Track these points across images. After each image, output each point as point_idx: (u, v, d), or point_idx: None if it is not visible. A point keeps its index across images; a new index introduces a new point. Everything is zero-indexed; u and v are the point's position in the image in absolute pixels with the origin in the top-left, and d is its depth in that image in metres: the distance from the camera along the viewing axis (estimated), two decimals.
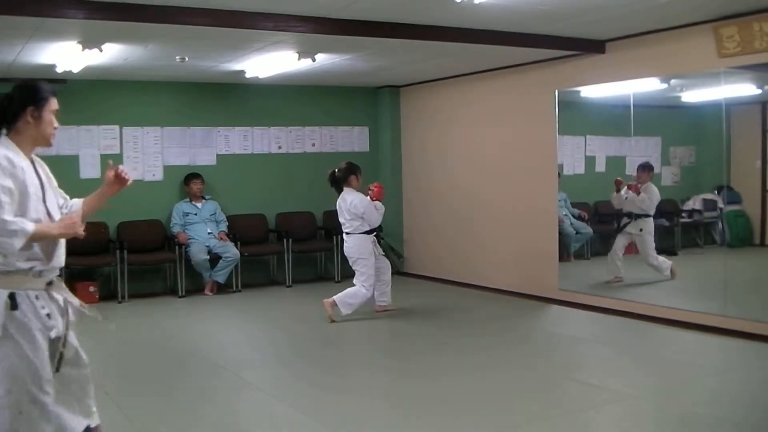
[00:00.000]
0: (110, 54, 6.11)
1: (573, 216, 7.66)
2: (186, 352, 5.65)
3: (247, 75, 7.55)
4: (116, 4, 4.65)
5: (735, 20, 5.35)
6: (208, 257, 7.91)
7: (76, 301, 3.01)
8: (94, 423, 3.10)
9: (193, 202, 8.18)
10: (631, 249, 7.21)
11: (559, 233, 7.25)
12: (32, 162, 2.92)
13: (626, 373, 4.85)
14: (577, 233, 7.63)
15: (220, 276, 7.97)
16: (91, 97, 7.75)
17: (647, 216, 6.93)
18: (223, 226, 8.24)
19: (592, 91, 6.95)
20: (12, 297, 2.73)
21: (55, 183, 3.08)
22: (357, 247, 6.53)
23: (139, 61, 6.70)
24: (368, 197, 6.58)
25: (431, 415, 4.05)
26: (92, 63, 6.33)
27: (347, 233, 6.59)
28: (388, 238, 9.16)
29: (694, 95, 6.80)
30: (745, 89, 6.29)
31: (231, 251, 7.96)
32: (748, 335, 5.41)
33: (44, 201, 2.89)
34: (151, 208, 8.05)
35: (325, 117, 9.13)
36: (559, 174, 7.25)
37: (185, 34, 5.55)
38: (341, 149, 9.22)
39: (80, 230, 2.87)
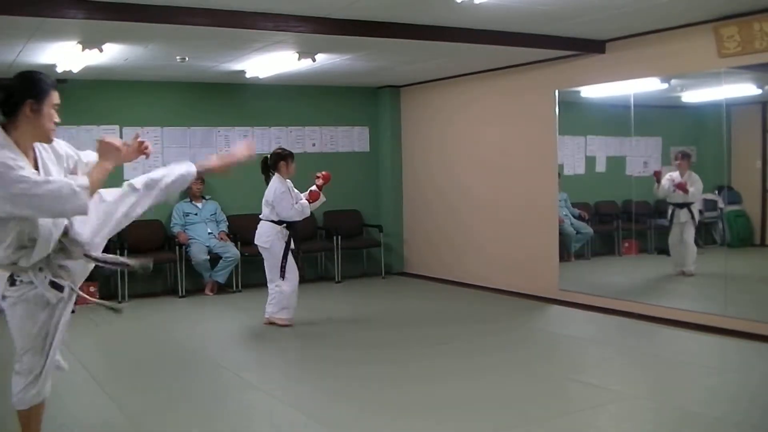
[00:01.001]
0: (110, 54, 6.11)
1: (573, 216, 7.66)
2: (186, 352, 5.65)
3: (247, 75, 7.55)
4: (116, 4, 4.65)
5: (735, 20, 5.35)
6: (209, 257, 7.91)
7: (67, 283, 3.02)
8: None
9: (193, 202, 8.19)
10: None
11: (560, 233, 7.25)
12: (35, 153, 2.84)
13: (626, 373, 4.85)
14: (577, 233, 7.63)
15: (221, 276, 7.97)
16: (91, 97, 7.75)
17: (691, 204, 6.83)
18: (224, 226, 8.24)
19: (592, 91, 6.95)
20: (11, 276, 2.85)
21: (76, 156, 3.05)
22: (261, 234, 6.27)
23: (139, 61, 6.70)
24: (315, 190, 6.25)
25: (431, 414, 4.05)
26: (92, 63, 6.33)
27: (260, 219, 6.34)
28: (388, 238, 9.17)
29: (694, 95, 6.80)
30: (746, 89, 6.29)
31: (231, 251, 7.96)
32: (748, 335, 5.41)
33: None
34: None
35: (325, 117, 9.13)
36: (559, 174, 7.25)
37: (185, 34, 5.55)
38: (341, 149, 9.22)
39: (117, 143, 2.92)
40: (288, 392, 4.60)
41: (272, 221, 6.23)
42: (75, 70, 6.58)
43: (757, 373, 4.73)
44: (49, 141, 2.88)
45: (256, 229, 8.44)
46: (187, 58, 6.69)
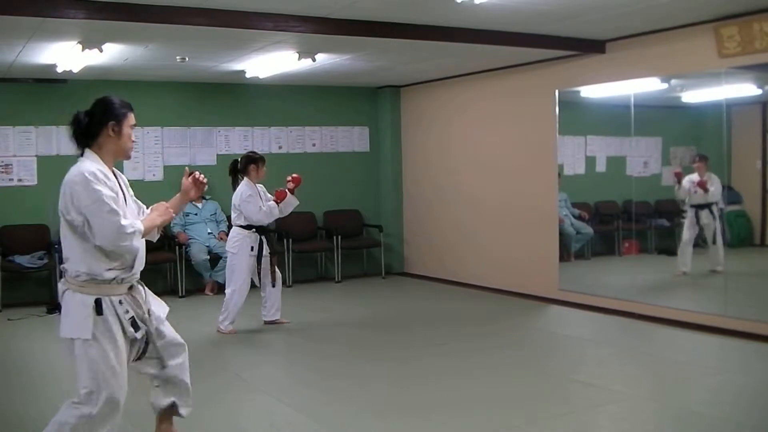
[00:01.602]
0: (110, 54, 6.11)
1: (573, 216, 7.65)
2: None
3: (247, 75, 7.55)
4: (116, 4, 4.65)
5: (735, 20, 5.35)
6: (209, 257, 7.91)
7: (158, 304, 3.21)
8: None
9: (193, 202, 8.17)
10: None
11: (560, 233, 7.26)
12: (114, 174, 3.05)
13: (626, 373, 4.85)
14: (577, 233, 7.63)
15: (221, 276, 7.95)
16: (91, 97, 7.60)
17: (714, 204, 6.76)
18: (224, 226, 8.23)
19: (592, 91, 6.95)
20: (98, 302, 2.90)
21: (131, 192, 3.22)
22: (229, 239, 6.21)
23: (139, 61, 6.70)
24: (283, 189, 6.11)
25: (431, 414, 4.05)
26: (92, 63, 6.33)
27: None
28: (387, 238, 9.17)
29: (694, 95, 6.79)
30: (746, 89, 6.28)
31: None
32: (748, 335, 5.42)
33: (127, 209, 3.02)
34: None
35: (326, 117, 9.13)
36: (559, 174, 7.25)
37: (185, 34, 5.55)
38: (341, 149, 9.22)
39: (172, 212, 3.14)
40: (288, 392, 4.60)
41: (241, 226, 6.14)
42: (75, 70, 6.58)
43: (757, 373, 4.73)
44: (128, 157, 3.15)
45: None
46: (187, 58, 6.69)
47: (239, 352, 5.70)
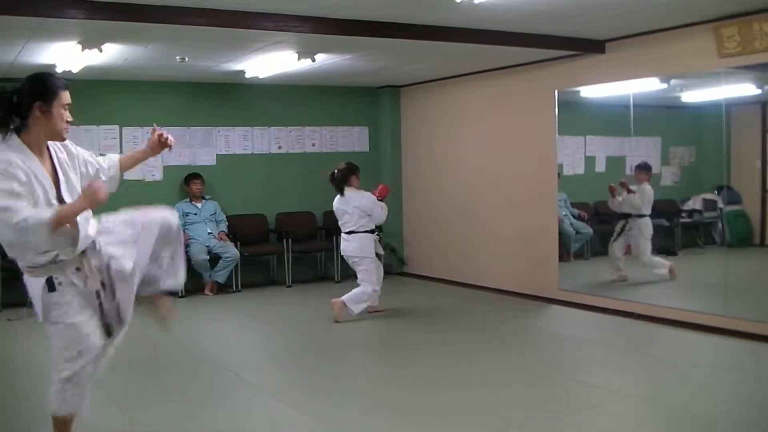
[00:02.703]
0: (110, 54, 6.11)
1: (573, 216, 7.66)
2: (186, 352, 5.64)
3: (247, 75, 7.55)
4: (116, 4, 4.65)
5: (735, 20, 5.35)
6: (208, 257, 7.91)
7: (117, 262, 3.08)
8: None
9: (193, 202, 8.19)
10: (631, 249, 7.20)
11: (559, 233, 7.26)
12: (50, 152, 2.90)
13: (626, 373, 4.85)
14: (577, 233, 7.63)
15: (220, 276, 7.97)
16: (91, 97, 7.74)
17: (642, 216, 6.93)
18: (223, 226, 8.24)
19: (592, 91, 6.95)
20: (49, 280, 2.85)
21: (86, 157, 3.08)
22: (362, 246, 6.51)
23: (139, 61, 6.70)
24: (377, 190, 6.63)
25: (430, 413, 4.05)
26: (92, 63, 6.33)
27: (350, 232, 6.54)
28: (388, 238, 9.17)
29: (694, 95, 6.80)
30: (745, 89, 6.28)
31: (231, 251, 7.96)
32: (748, 335, 5.42)
33: (58, 195, 2.88)
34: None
35: (325, 117, 9.13)
36: (559, 174, 7.25)
37: (185, 34, 5.55)
38: (341, 149, 9.22)
39: (103, 195, 2.81)
40: (288, 392, 4.60)
41: (369, 231, 6.52)
42: (75, 70, 6.58)
43: (757, 373, 4.73)
44: (62, 139, 2.93)
45: (255, 229, 8.54)
46: (187, 58, 6.69)
47: (239, 352, 5.70)
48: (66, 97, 2.87)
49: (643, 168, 6.93)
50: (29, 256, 2.84)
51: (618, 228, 7.13)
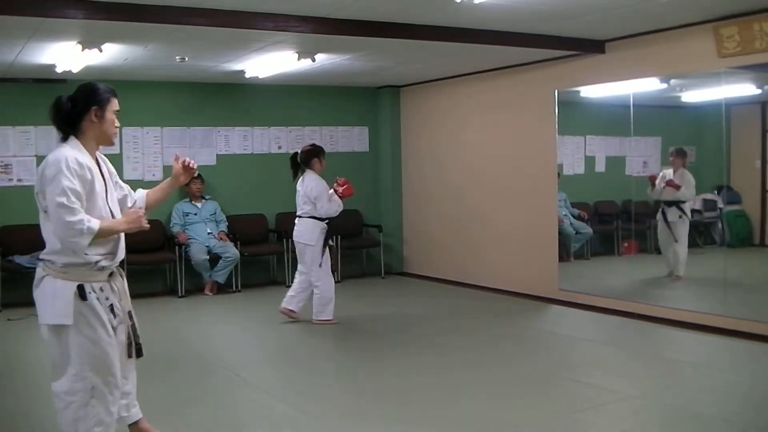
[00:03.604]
0: (110, 54, 6.11)
1: (573, 216, 7.66)
2: (186, 352, 5.64)
3: (247, 75, 7.55)
4: (116, 4, 4.65)
5: (735, 20, 5.35)
6: (208, 257, 7.91)
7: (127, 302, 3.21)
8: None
9: (193, 202, 8.19)
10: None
11: (559, 233, 7.26)
12: (97, 161, 3.05)
13: (627, 373, 4.85)
14: (576, 233, 7.63)
15: (220, 276, 7.97)
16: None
17: (683, 202, 6.77)
18: (223, 226, 8.24)
19: (592, 91, 6.95)
20: (81, 288, 2.91)
21: (117, 177, 3.23)
22: (302, 232, 6.25)
23: (139, 61, 6.70)
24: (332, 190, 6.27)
25: (430, 413, 4.05)
26: (92, 63, 6.32)
27: (299, 217, 6.33)
28: (387, 238, 9.17)
29: (694, 95, 6.80)
30: (745, 89, 6.29)
31: (231, 251, 7.96)
32: (748, 335, 5.42)
33: (107, 199, 3.03)
34: None
35: (325, 117, 9.13)
36: (558, 174, 7.25)
37: (185, 34, 5.55)
38: (341, 149, 9.22)
39: (144, 223, 3.04)
40: (288, 392, 4.61)
41: (314, 218, 6.22)
42: (75, 70, 6.58)
43: (757, 373, 4.73)
44: (112, 144, 3.14)
45: (255, 229, 8.54)
46: (187, 58, 6.69)
47: (239, 352, 5.70)
48: (116, 103, 3.07)
49: (681, 153, 6.77)
50: (81, 247, 2.89)
51: (659, 219, 6.90)
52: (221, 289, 8.08)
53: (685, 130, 7.17)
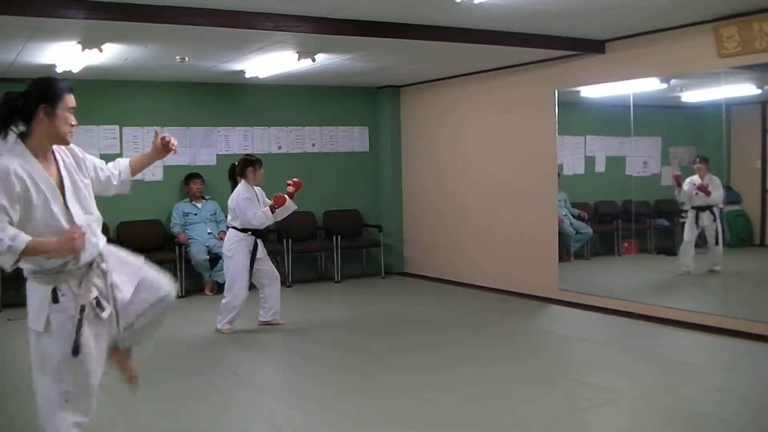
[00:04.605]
0: (110, 54, 6.11)
1: (573, 216, 7.66)
2: (186, 352, 5.64)
3: (247, 75, 7.55)
4: (116, 4, 4.65)
5: (735, 20, 5.35)
6: (208, 257, 7.91)
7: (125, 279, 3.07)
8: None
9: (193, 202, 8.19)
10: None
11: (559, 233, 7.26)
12: (55, 157, 2.86)
13: (627, 373, 4.85)
14: (577, 233, 7.63)
15: (220, 276, 7.94)
16: (91, 97, 7.73)
17: (715, 206, 6.73)
18: (223, 226, 8.21)
19: (592, 91, 6.95)
20: (54, 291, 2.79)
21: (91, 163, 3.04)
22: (225, 242, 6.21)
23: (139, 61, 6.70)
24: (282, 195, 6.10)
25: (430, 413, 4.05)
26: (92, 63, 6.32)
27: (228, 226, 6.28)
28: (387, 238, 9.17)
29: (694, 95, 6.80)
30: (745, 89, 6.29)
31: None
32: (748, 335, 5.42)
33: (64, 200, 2.82)
34: (151, 208, 8.05)
35: (326, 117, 9.13)
36: (558, 174, 7.25)
37: (185, 34, 5.55)
38: (341, 149, 9.22)
39: (78, 245, 2.72)
40: (288, 392, 4.61)
41: (236, 228, 6.12)
42: (75, 70, 6.58)
43: (757, 373, 4.73)
44: (66, 143, 2.90)
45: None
46: (187, 58, 6.69)
47: (239, 352, 5.70)
48: (71, 100, 2.86)
49: (705, 159, 6.71)
50: (35, 261, 2.77)
51: (690, 222, 6.89)
52: (221, 289, 8.05)
53: (685, 130, 7.18)
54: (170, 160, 8.18)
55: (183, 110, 8.35)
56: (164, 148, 3.17)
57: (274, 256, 8.62)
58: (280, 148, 8.89)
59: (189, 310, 7.30)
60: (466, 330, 6.23)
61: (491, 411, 4.10)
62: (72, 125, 2.86)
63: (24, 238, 2.66)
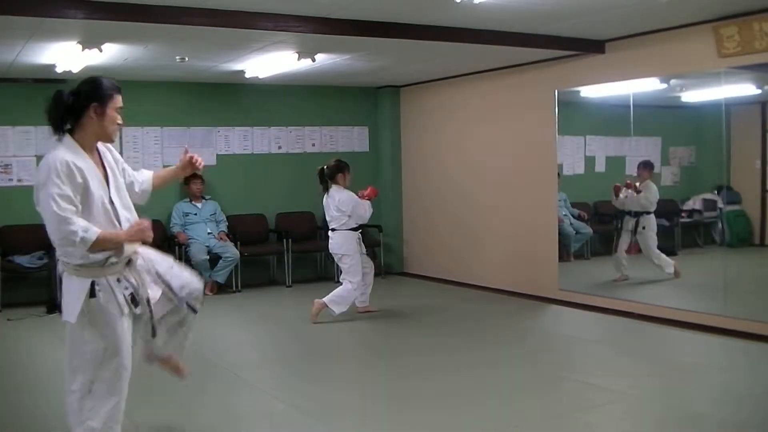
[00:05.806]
0: (110, 54, 6.11)
1: (573, 216, 7.66)
2: (185, 352, 5.63)
3: (247, 75, 7.55)
4: (116, 4, 4.65)
5: (735, 20, 5.35)
6: (208, 257, 7.91)
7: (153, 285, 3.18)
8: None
9: (193, 202, 8.19)
10: (631, 249, 7.20)
11: (559, 233, 7.26)
12: (100, 154, 2.98)
13: (627, 373, 4.85)
14: (576, 233, 7.63)
15: (220, 276, 7.97)
16: None
17: (648, 213, 6.93)
18: (223, 226, 8.24)
19: (592, 91, 6.95)
20: (92, 285, 2.87)
21: (123, 164, 3.18)
22: (342, 243, 6.50)
23: (139, 61, 6.70)
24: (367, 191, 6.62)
25: (430, 414, 4.05)
26: (92, 63, 6.32)
27: (333, 230, 6.54)
28: (387, 238, 9.18)
29: (694, 95, 6.80)
30: (745, 89, 6.29)
31: (231, 251, 7.96)
32: (749, 335, 5.42)
33: (110, 198, 2.95)
34: (151, 208, 7.96)
35: (325, 117, 9.13)
36: (558, 174, 7.25)
37: (185, 34, 5.55)
38: (341, 149, 9.22)
39: (149, 235, 2.94)
40: (288, 392, 4.61)
41: (350, 229, 6.46)
42: (75, 70, 6.57)
43: (757, 373, 4.73)
44: (111, 141, 3.05)
45: (255, 229, 8.54)
46: (187, 58, 6.69)
47: (239, 352, 5.70)
48: (119, 100, 3.01)
49: (647, 165, 6.93)
50: (78, 254, 2.85)
51: (626, 226, 7.08)
52: (221, 289, 8.08)
53: (685, 130, 7.18)
54: (170, 160, 8.21)
55: (183, 110, 8.35)
56: (191, 165, 3.29)
57: (274, 256, 8.70)
58: (280, 148, 8.89)
59: None
60: (465, 330, 6.23)
61: (490, 410, 4.10)
62: (118, 124, 3.00)
63: (95, 230, 2.78)
